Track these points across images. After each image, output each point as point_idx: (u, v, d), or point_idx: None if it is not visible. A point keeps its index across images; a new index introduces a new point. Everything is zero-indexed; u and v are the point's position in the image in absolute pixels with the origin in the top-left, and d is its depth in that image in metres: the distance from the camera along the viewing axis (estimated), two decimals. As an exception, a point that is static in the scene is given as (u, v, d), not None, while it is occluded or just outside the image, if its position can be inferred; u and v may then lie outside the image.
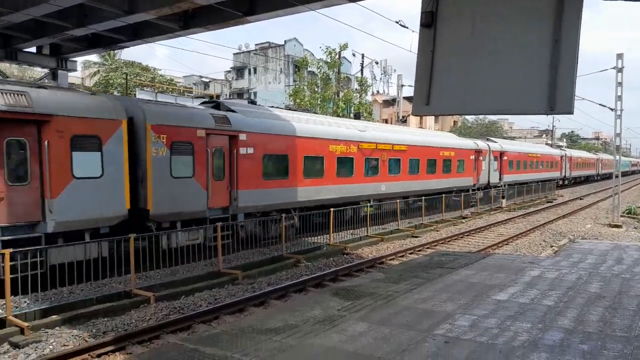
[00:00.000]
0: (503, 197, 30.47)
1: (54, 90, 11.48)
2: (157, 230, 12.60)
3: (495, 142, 35.06)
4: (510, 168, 35.20)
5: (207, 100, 20.38)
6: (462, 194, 26.11)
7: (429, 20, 6.58)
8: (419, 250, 16.46)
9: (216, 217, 14.02)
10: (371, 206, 19.91)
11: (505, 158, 34.06)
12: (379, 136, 21.41)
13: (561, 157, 49.97)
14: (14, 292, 9.13)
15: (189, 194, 13.20)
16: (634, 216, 26.97)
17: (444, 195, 24.10)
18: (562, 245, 15.34)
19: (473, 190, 28.95)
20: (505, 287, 8.89)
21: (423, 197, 22.61)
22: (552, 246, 17.12)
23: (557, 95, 5.96)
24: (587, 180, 63.37)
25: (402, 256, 15.52)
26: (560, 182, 50.48)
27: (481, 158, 30.37)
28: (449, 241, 18.64)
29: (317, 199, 17.60)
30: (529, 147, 43.46)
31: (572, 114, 6.05)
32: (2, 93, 10.04)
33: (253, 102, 20.97)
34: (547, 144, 66.11)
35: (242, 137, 14.65)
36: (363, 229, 18.51)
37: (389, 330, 6.52)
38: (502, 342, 6.10)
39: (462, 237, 19.60)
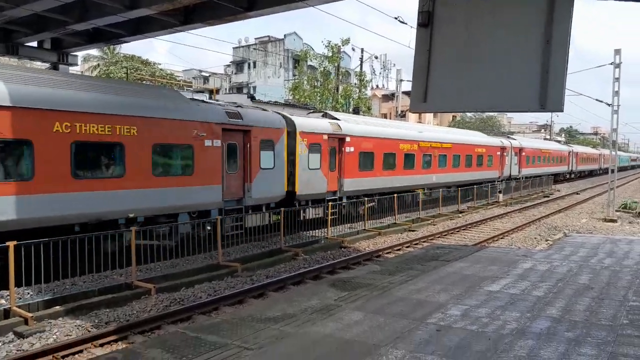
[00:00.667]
0: (500, 192, 30.74)
1: (250, 109, 16.42)
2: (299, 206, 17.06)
3: (515, 139, 39.19)
4: (527, 162, 39.43)
5: (313, 110, 25.67)
6: (489, 184, 30.40)
7: (426, 20, 6.76)
8: (415, 244, 16.71)
9: (330, 199, 18.27)
10: (424, 193, 24.09)
11: (523, 154, 38.30)
12: (432, 136, 26.01)
13: (569, 152, 53.67)
14: (18, 284, 9.36)
15: (317, 181, 17.97)
16: (630, 211, 27.22)
17: (475, 185, 28.36)
18: (556, 239, 15.59)
19: (498, 181, 32.79)
20: (497, 278, 9.13)
21: (459, 187, 26.56)
22: (547, 240, 17.38)
23: (548, 94, 6.15)
24: (591, 174, 66.39)
25: (399, 249, 15.77)
26: (567, 175, 54.82)
27: (505, 154, 34.63)
28: (445, 235, 18.90)
29: (390, 187, 21.80)
30: (543, 144, 47.98)
31: (562, 111, 6.25)
32: (226, 111, 14.71)
33: (252, 97, 21.24)
34: (545, 138, 66.44)
35: (347, 139, 19.25)
36: (360, 223, 18.76)
37: (384, 319, 6.75)
38: (491, 330, 6.34)
39: (458, 231, 19.85)
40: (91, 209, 11.40)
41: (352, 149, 19.48)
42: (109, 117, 11.71)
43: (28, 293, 9.73)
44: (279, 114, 17.41)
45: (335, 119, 19.88)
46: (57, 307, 9.29)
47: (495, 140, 34.05)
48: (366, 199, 19.21)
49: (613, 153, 26.55)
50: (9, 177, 10.24)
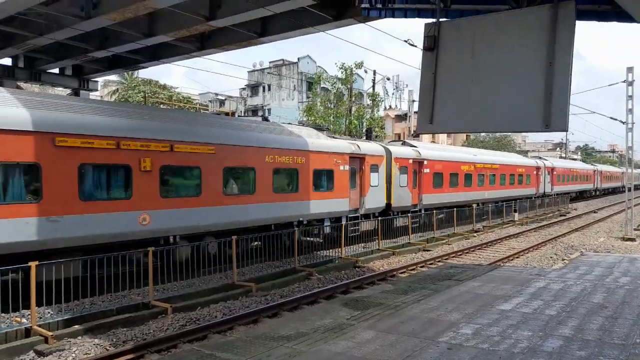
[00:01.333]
0: (515, 211, 30.52)
1: (364, 142, 21.43)
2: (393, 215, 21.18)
3: (547, 160, 43.97)
4: (558, 180, 44.17)
5: (394, 140, 30.79)
6: (528, 200, 34.23)
7: (432, 44, 7.00)
8: (429, 264, 16.68)
9: (413, 210, 22.64)
10: (477, 206, 27.56)
11: (555, 173, 42.91)
12: (484, 159, 31.06)
13: (594, 171, 57.99)
14: (39, 304, 9.61)
15: (405, 196, 22.42)
16: (649, 230, 26.75)
17: (517, 200, 32.21)
18: (572, 259, 15.45)
19: (535, 197, 36.98)
20: (510, 297, 9.14)
21: (504, 202, 30.37)
22: (563, 259, 17.20)
23: (552, 114, 6.31)
24: (614, 191, 68.68)
25: (413, 269, 15.75)
26: (593, 192, 58.47)
27: (539, 173, 39.10)
28: (459, 255, 18.82)
29: (455, 201, 25.86)
30: (571, 164, 52.89)
31: (567, 131, 6.39)
32: (351, 144, 19.51)
33: (266, 119, 21.54)
34: (560, 157, 66.04)
35: (425, 162, 23.78)
36: (374, 242, 18.81)
37: (395, 338, 6.83)
38: (502, 348, 6.38)
39: (473, 251, 19.75)
40: (288, 212, 16.39)
41: (428, 170, 24.04)
42: (292, 151, 16.52)
43: (48, 312, 9.97)
44: (380, 144, 22.57)
45: (414, 146, 24.40)
46: (77, 326, 9.50)
47: (532, 161, 38.99)
48: (435, 210, 23.36)
49: (629, 170, 26.26)
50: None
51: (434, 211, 22.99)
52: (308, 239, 16.93)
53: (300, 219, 16.67)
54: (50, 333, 8.90)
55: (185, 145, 13.10)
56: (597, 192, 60.55)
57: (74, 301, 10.73)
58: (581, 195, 52.31)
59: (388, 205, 21.23)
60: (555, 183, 42.77)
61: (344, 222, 18.11)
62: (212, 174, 13.80)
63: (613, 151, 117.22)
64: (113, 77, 47.60)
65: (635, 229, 25.64)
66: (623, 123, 25.18)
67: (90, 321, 9.77)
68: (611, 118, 31.27)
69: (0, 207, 9.87)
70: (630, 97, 24.04)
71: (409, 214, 21.70)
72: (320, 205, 17.40)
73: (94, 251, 11.31)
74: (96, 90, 25.49)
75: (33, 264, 9.39)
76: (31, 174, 10.36)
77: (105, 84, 49.80)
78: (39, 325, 9.16)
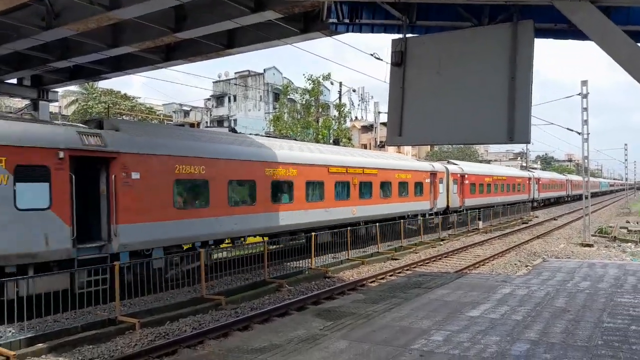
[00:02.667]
0: (479, 219, 31.32)
1: (436, 163, 30.37)
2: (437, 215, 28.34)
3: (533, 171, 54.94)
4: (544, 188, 55.34)
5: (427, 158, 41.35)
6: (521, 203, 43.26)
7: (399, 60, 7.21)
8: (398, 272, 16.90)
9: (459, 210, 30.98)
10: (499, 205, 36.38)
11: (541, 182, 53.33)
12: (498, 171, 42.27)
13: (566, 180, 68.92)
14: (-1, 322, 9.27)
15: (455, 200, 30.92)
16: (605, 235, 27.91)
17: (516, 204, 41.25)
18: (535, 265, 15.95)
19: (528, 201, 46.30)
20: (478, 304, 9.38)
21: (508, 205, 39.03)
22: (526, 266, 17.72)
23: (515, 126, 6.59)
24: (580, 197, 71.85)
25: (382, 278, 15.92)
26: (565, 199, 68.18)
27: (530, 183, 48.67)
28: (427, 263, 19.13)
29: (485, 204, 34.89)
30: (551, 175, 65.58)
31: (529, 142, 6.67)
32: (429, 164, 29.23)
33: (234, 130, 21.43)
34: (521, 166, 68.22)
35: (466, 175, 32.59)
36: (344, 252, 18.93)
37: (369, 347, 6.91)
38: (473, 354, 6.55)
39: (440, 259, 20.12)
40: (404, 209, 24.99)
41: (467, 182, 32.80)
42: (405, 171, 25.29)
43: (10, 331, 9.61)
44: (443, 165, 30.78)
45: (456, 164, 33.67)
46: (40, 344, 9.18)
47: (525, 173, 49.28)
48: (469, 211, 31.35)
49: (585, 179, 27.35)
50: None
51: (468, 212, 31.40)
52: (410, 226, 24.69)
53: (408, 213, 25.32)
54: (13, 352, 8.60)
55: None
56: (568, 199, 69.28)
57: (36, 318, 10.36)
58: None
59: (447, 206, 29.62)
60: (541, 190, 53.78)
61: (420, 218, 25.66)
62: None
63: (570, 160, 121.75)
64: (73, 88, 46.41)
65: (592, 235, 26.68)
66: (579, 134, 26.26)
67: (54, 339, 9.45)
68: (568, 129, 32.56)
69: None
70: (585, 109, 25.11)
71: (456, 214, 30.23)
72: (409, 206, 25.54)
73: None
74: (56, 100, 24.86)
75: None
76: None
77: (64, 95, 48.45)
78: (0, 345, 8.82)
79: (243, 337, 9.22)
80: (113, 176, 11.88)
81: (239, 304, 12.66)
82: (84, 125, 13.05)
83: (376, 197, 22.77)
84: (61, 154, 10.94)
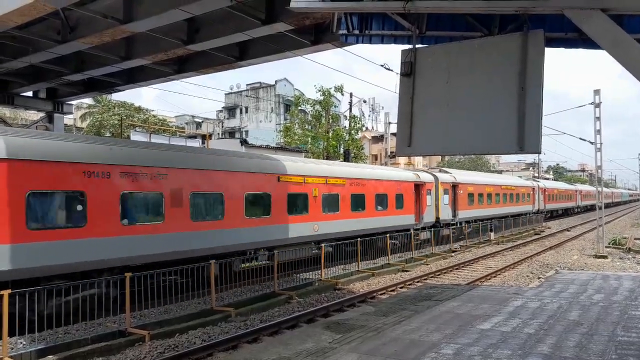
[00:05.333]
0: (491, 230, 31.00)
1: (422, 173, 27.08)
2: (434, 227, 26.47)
3: (539, 181, 52.08)
4: (551, 198, 53.36)
5: (428, 169, 35.55)
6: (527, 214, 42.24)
7: (408, 70, 7.21)
8: (409, 284, 16.75)
9: (452, 223, 28.30)
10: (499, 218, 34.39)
11: (547, 193, 51.30)
12: (503, 181, 39.74)
13: (576, 190, 67.14)
14: (11, 333, 9.31)
15: (447, 212, 28.09)
16: (619, 246, 27.46)
17: (519, 216, 39.57)
18: (548, 277, 15.73)
19: (532, 213, 44.32)
20: (489, 317, 9.25)
21: (513, 216, 37.62)
22: (539, 277, 17.47)
23: (525, 136, 6.53)
24: (607, 206, 74.77)
25: (393, 290, 15.79)
26: (575, 210, 66.48)
27: (534, 193, 46.33)
28: (438, 275, 18.95)
29: (482, 216, 32.44)
30: (559, 184, 63.38)
31: (540, 153, 6.60)
32: (414, 174, 25.87)
33: (245, 141, 21.57)
34: (534, 176, 67.71)
35: (459, 185, 29.56)
36: (354, 264, 18.82)
37: (378, 360, 6.83)
38: (484, 368, 6.44)
39: (451, 271, 19.92)
40: (380, 224, 21.94)
41: (462, 192, 29.77)
42: (382, 182, 22.53)
43: (21, 342, 9.66)
44: (431, 173, 28.11)
45: (448, 172, 30.68)
46: (51, 356, 9.22)
47: (529, 183, 47.08)
48: (465, 223, 29.41)
49: (599, 189, 27.00)
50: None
51: (464, 224, 29.48)
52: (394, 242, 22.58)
53: (388, 229, 22.28)
54: (23, 364, 8.62)
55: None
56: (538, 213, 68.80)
57: (47, 330, 10.41)
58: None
59: (437, 219, 27.03)
60: (550, 201, 52.46)
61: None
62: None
63: (583, 170, 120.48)
64: (88, 101, 47.05)
65: (606, 247, 26.26)
66: (592, 143, 25.97)
67: (65, 351, 9.47)
68: (580, 139, 32.25)
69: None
70: (598, 118, 24.87)
71: (450, 226, 27.86)
72: (397, 220, 23.25)
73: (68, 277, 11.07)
74: (71, 113, 25.19)
75: (5, 292, 9.12)
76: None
77: (78, 107, 49.09)
78: (11, 357, 8.85)
79: (252, 349, 9.18)
80: None
81: (249, 315, 12.61)
82: None
83: (345, 211, 19.57)
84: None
